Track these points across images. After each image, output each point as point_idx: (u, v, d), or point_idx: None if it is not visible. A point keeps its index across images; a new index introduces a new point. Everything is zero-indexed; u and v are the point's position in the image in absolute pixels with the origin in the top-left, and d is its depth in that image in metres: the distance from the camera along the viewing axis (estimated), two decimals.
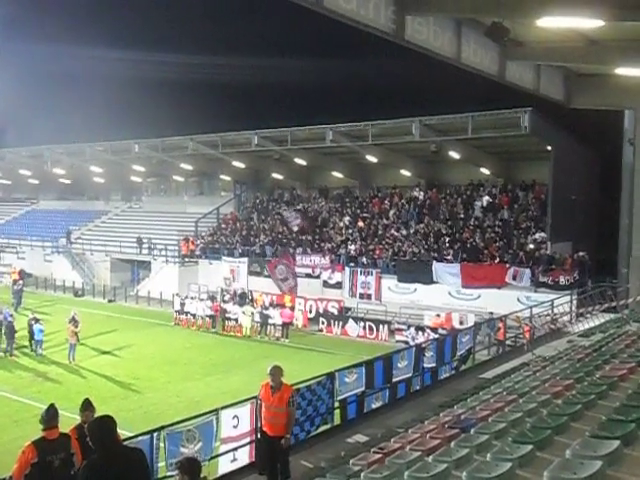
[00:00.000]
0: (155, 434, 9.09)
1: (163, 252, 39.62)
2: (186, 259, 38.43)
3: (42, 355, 23.81)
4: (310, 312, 30.61)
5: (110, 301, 37.49)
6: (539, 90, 21.39)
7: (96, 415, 6.91)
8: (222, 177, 43.46)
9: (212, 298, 31.53)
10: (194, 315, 29.98)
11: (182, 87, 46.72)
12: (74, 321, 23.60)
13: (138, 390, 19.52)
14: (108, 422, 5.22)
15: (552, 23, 14.96)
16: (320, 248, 33.85)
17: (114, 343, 25.66)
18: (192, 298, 31.59)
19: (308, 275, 32.67)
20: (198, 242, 39.49)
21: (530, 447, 4.99)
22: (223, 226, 41.19)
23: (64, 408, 7.87)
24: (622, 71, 19.66)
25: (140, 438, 8.92)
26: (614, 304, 23.03)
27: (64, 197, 54.17)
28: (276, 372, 9.08)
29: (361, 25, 13.95)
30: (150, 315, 32.79)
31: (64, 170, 47.46)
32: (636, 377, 7.47)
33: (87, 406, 7.46)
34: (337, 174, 38.11)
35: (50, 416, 6.69)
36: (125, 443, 7.46)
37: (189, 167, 41.28)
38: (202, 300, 31.17)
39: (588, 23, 14.87)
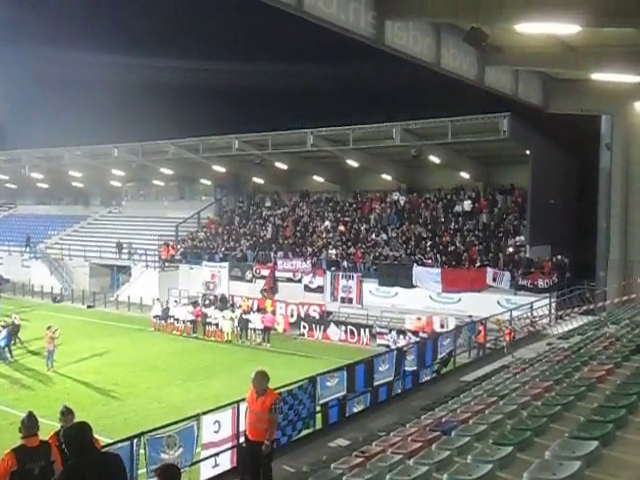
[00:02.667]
0: (135, 440, 9.00)
1: (143, 257, 39.35)
2: (166, 264, 38.20)
3: (10, 361, 23.53)
4: (291, 316, 30.59)
5: (89, 307, 37.11)
6: (517, 95, 21.62)
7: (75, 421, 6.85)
8: (203, 181, 43.31)
9: (194, 303, 31.39)
10: (177, 320, 29.80)
11: (162, 91, 46.52)
12: (50, 328, 23.33)
13: (118, 396, 19.34)
14: (84, 428, 5.19)
15: (530, 29, 15.15)
16: (301, 252, 33.85)
17: (93, 349, 25.40)
18: (175, 302, 31.42)
19: (289, 279, 32.64)
20: (178, 247, 39.28)
21: (510, 449, 5.03)
22: (204, 230, 41.04)
23: (43, 415, 7.78)
24: (598, 76, 19.96)
25: (120, 444, 8.83)
26: (592, 306, 23.33)
27: (43, 202, 53.61)
28: (259, 378, 9.02)
29: (341, 30, 14.01)
30: (130, 320, 32.52)
31: (42, 174, 46.99)
32: (614, 378, 7.55)
33: (66, 412, 7.39)
34: (318, 178, 38.16)
35: (30, 424, 6.61)
36: (105, 449, 7.40)
37: (169, 171, 41.06)
38: (184, 305, 31.01)
39: (565, 29, 15.08)
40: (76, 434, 5.14)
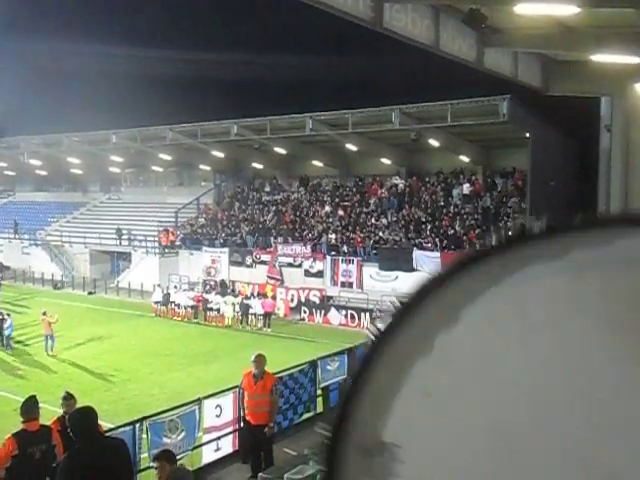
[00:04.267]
0: (137, 425, 9.07)
1: (143, 243, 39.33)
2: (166, 250, 38.21)
3: (13, 349, 23.61)
4: (292, 301, 30.65)
5: (90, 293, 37.17)
6: (517, 77, 21.47)
7: (77, 406, 6.88)
8: (201, 167, 43.16)
9: (193, 288, 31.48)
10: (178, 305, 29.86)
11: (160, 78, 46.32)
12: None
13: (120, 382, 19.42)
14: (89, 413, 5.22)
15: (529, 10, 15.03)
16: (301, 237, 33.84)
17: (95, 335, 25.48)
18: (175, 287, 31.50)
19: (289, 264, 32.68)
20: (178, 233, 39.27)
21: None
22: (203, 216, 41.01)
23: (44, 401, 7.83)
24: (598, 58, 19.81)
25: (122, 429, 8.89)
26: None
27: (41, 189, 53.48)
28: (260, 360, 9.10)
29: (339, 12, 13.88)
30: (131, 307, 32.58)
31: (41, 161, 46.83)
32: None
33: (68, 397, 7.42)
34: (317, 163, 38.05)
35: (29, 407, 6.65)
36: (107, 434, 7.45)
37: (168, 157, 40.93)
38: (185, 290, 31.06)
39: (564, 9, 14.96)
40: (82, 418, 5.18)
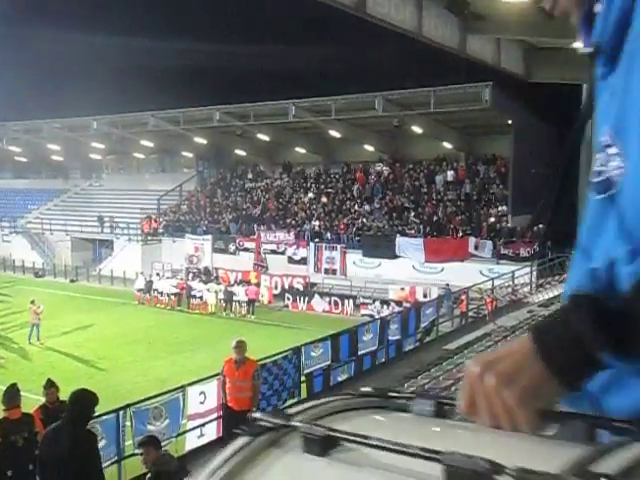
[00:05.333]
0: (121, 412, 9.05)
1: (125, 230, 39.07)
2: (149, 237, 38.00)
3: None
4: (275, 288, 30.66)
5: (72, 281, 36.89)
6: (500, 64, 21.55)
7: (59, 395, 6.88)
8: (184, 154, 42.90)
9: (176, 275, 31.37)
10: (161, 293, 29.75)
11: (142, 64, 45.80)
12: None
13: (103, 370, 19.34)
14: (92, 398, 5.36)
15: None
16: (284, 224, 33.81)
17: (77, 323, 25.32)
18: (158, 275, 31.36)
19: (273, 251, 32.66)
20: (161, 220, 39.05)
21: None
22: (186, 203, 40.81)
23: (27, 389, 7.80)
24: (580, 45, 19.89)
25: (106, 417, 8.87)
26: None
27: (21, 176, 52.78)
28: (240, 346, 9.13)
29: None
30: (113, 294, 32.40)
31: (20, 148, 46.27)
32: None
33: (50, 385, 7.40)
34: (300, 150, 37.96)
35: (11, 395, 6.63)
36: (91, 422, 7.45)
37: (150, 144, 40.61)
38: (168, 278, 30.94)
39: None
40: (84, 400, 5.29)
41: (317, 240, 31.67)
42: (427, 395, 0.96)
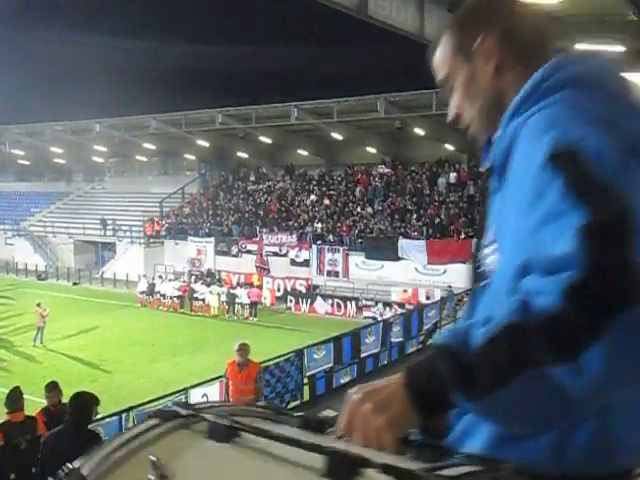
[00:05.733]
0: (124, 415, 9.06)
1: (128, 233, 39.11)
2: (151, 240, 38.03)
3: None
4: (278, 290, 30.66)
5: (75, 284, 36.93)
6: None
7: (61, 397, 6.88)
8: (186, 156, 42.92)
9: (179, 278, 31.40)
10: (164, 295, 29.76)
11: (145, 67, 45.94)
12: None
13: (106, 372, 19.36)
14: (91, 399, 5.37)
15: None
16: (287, 226, 33.82)
17: (80, 326, 25.34)
18: (160, 277, 31.40)
19: (275, 253, 32.65)
20: (163, 222, 39.09)
21: None
22: (188, 206, 40.83)
23: (30, 392, 7.81)
24: (582, 46, 19.89)
25: (109, 419, 8.88)
26: None
27: (24, 179, 52.88)
28: (243, 349, 9.14)
29: (324, 0, 13.83)
30: (116, 297, 32.42)
31: (23, 151, 46.34)
32: None
33: (52, 387, 7.39)
34: (303, 152, 37.97)
35: (14, 398, 6.63)
36: (93, 424, 7.45)
37: (152, 146, 40.65)
38: (170, 280, 30.97)
39: None
40: (83, 402, 5.28)
41: (319, 242, 31.66)
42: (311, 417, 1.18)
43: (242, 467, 0.96)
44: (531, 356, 0.94)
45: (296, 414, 1.20)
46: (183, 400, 10.06)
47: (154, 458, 0.96)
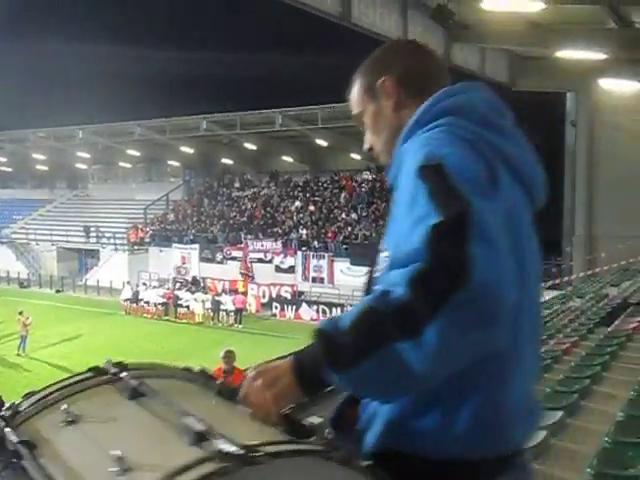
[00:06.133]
0: None
1: (111, 240, 38.85)
2: (135, 247, 37.81)
3: None
4: (263, 297, 30.60)
5: (58, 291, 36.62)
6: (485, 73, 21.70)
7: None
8: (170, 163, 42.76)
9: (163, 285, 31.22)
10: (148, 303, 29.59)
11: (128, 73, 45.76)
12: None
13: None
14: None
15: (496, 6, 15.20)
16: (272, 233, 33.79)
17: (63, 334, 25.12)
18: (144, 284, 31.20)
19: (260, 260, 32.59)
20: (148, 229, 38.89)
21: None
22: (173, 213, 40.67)
23: (11, 402, 7.70)
24: (564, 54, 20.13)
25: None
26: (558, 281, 23.77)
27: (6, 185, 52.35)
28: (229, 356, 9.10)
29: (308, 7, 13.89)
30: (100, 305, 32.18)
31: (5, 158, 45.92)
32: (579, 350, 7.74)
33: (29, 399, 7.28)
34: (287, 158, 37.98)
35: None
36: None
37: (136, 153, 40.47)
38: (154, 288, 30.80)
39: (530, 6, 15.16)
40: None
41: (304, 249, 31.66)
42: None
43: (132, 420, 1.28)
44: (384, 334, 1.14)
45: (216, 383, 1.50)
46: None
47: (65, 406, 1.31)
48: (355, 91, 1.67)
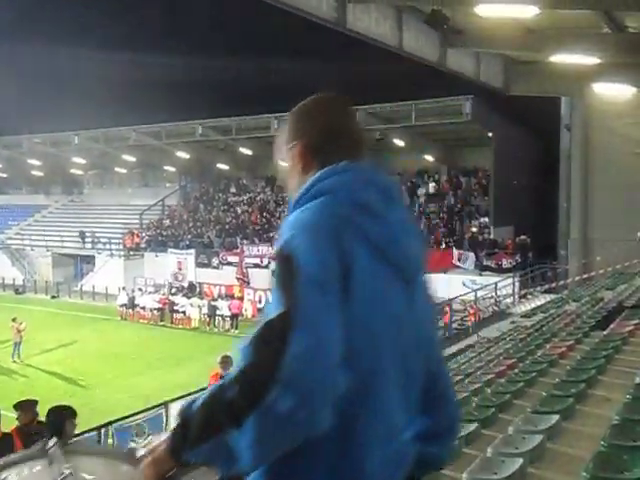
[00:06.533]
0: (103, 430, 8.95)
1: (107, 246, 38.78)
2: (131, 252, 37.74)
3: None
4: (259, 302, 30.53)
5: (54, 297, 36.50)
6: (479, 77, 21.78)
7: (34, 415, 6.75)
8: (166, 168, 42.73)
9: (159, 290, 31.14)
10: (144, 308, 29.51)
11: (124, 78, 45.67)
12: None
13: (85, 387, 19.14)
14: (64, 413, 5.23)
15: (490, 11, 15.25)
16: (268, 238, 33.76)
17: (59, 340, 25.02)
18: (140, 290, 31.12)
19: (256, 265, 32.53)
20: (143, 235, 38.83)
21: (475, 425, 5.12)
22: (169, 218, 40.62)
23: (6, 408, 7.66)
24: (558, 58, 20.21)
25: (87, 434, 8.76)
26: (554, 285, 23.83)
27: (1, 191, 52.20)
28: (226, 361, 9.10)
29: (303, 13, 13.93)
30: (96, 310, 32.10)
31: (0, 164, 45.87)
32: (574, 354, 7.75)
33: (21, 406, 7.10)
34: (283, 163, 37.86)
35: None
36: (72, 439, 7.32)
37: (132, 158, 40.45)
38: (150, 293, 30.73)
39: (525, 11, 15.21)
40: (55, 417, 5.16)
41: None
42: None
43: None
44: (216, 423, 1.33)
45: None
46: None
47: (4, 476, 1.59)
48: (279, 142, 1.83)
